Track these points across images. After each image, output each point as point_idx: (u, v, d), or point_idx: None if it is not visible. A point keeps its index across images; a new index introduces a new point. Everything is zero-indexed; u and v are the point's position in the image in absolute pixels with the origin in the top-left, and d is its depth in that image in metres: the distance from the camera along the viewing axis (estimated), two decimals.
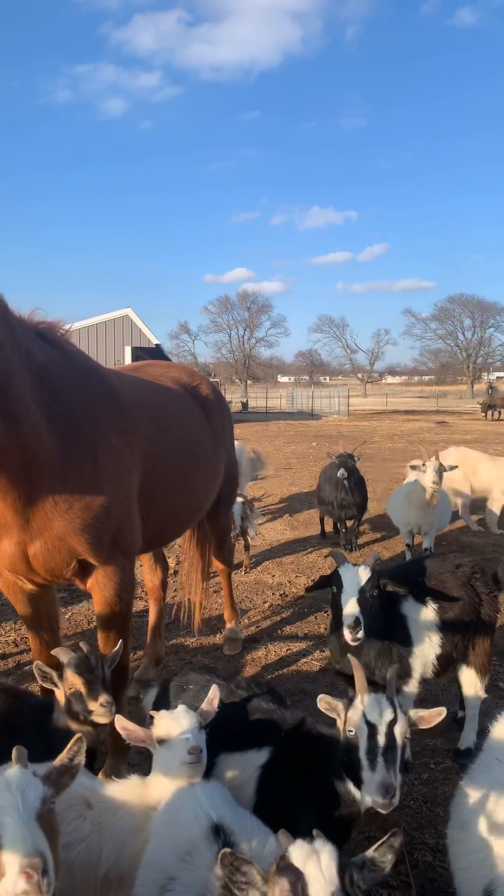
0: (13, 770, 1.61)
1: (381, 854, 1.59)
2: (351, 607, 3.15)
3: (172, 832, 1.95)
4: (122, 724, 2.25)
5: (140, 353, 30.10)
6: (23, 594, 3.14)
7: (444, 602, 3.57)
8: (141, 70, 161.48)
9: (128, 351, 30.12)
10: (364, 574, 3.24)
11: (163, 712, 2.25)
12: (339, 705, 2.25)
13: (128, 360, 28.92)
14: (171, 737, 2.15)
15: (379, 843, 1.60)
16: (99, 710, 2.44)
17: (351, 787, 2.22)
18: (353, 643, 3.14)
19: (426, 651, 3.50)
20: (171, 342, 71.53)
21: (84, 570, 3.02)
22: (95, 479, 2.91)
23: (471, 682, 3.65)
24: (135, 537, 3.21)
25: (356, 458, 8.06)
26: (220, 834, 1.86)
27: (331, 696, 2.29)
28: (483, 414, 35.81)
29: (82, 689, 2.48)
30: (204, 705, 2.33)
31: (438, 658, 3.52)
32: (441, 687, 4.29)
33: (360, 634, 3.12)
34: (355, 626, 3.10)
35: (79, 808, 2.14)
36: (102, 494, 2.91)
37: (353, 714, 2.17)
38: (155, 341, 31.91)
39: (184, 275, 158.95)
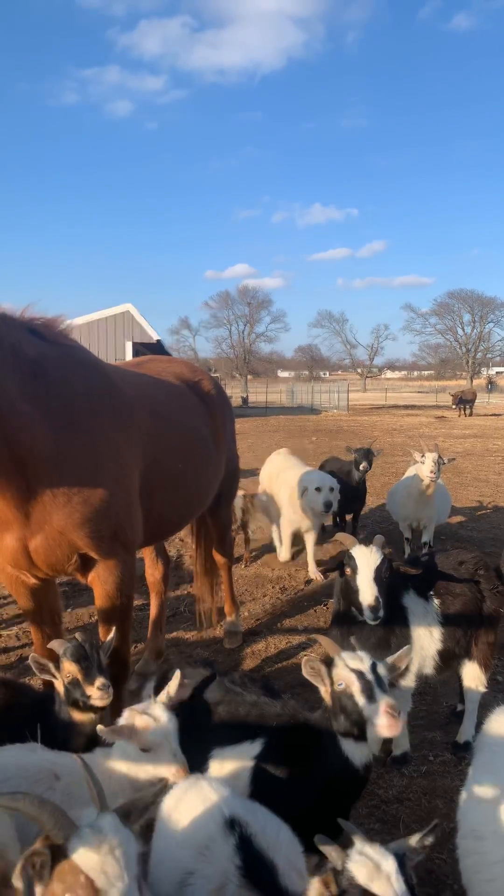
0: (109, 824, 1.45)
1: (420, 843, 1.66)
2: (370, 586, 3.24)
3: (185, 828, 1.96)
4: (101, 728, 2.27)
5: (140, 348, 30.04)
6: (25, 588, 3.15)
7: (446, 597, 3.59)
8: (147, 73, 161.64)
9: (128, 346, 30.05)
10: (378, 554, 3.33)
11: (144, 715, 2.26)
12: (322, 668, 2.35)
13: (128, 355, 28.86)
14: (156, 747, 2.19)
15: (423, 833, 1.68)
16: (96, 693, 2.46)
17: (348, 745, 2.27)
18: (373, 622, 3.22)
19: (426, 645, 3.51)
20: (172, 337, 71.54)
21: (85, 564, 3.03)
22: (94, 474, 2.91)
23: (473, 676, 3.66)
24: (135, 531, 3.21)
25: (375, 453, 8.04)
26: (234, 826, 1.88)
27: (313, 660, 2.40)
28: (454, 408, 34.07)
29: (78, 676, 2.50)
30: (170, 688, 2.40)
31: (440, 653, 3.53)
32: (440, 680, 4.30)
33: (381, 613, 3.20)
34: (377, 604, 3.19)
35: (47, 781, 2.18)
36: (102, 488, 2.91)
37: (338, 669, 2.29)
38: (155, 337, 31.82)
39: (185, 271, 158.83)
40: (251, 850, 1.83)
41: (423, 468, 6.95)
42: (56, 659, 2.61)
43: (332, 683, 2.31)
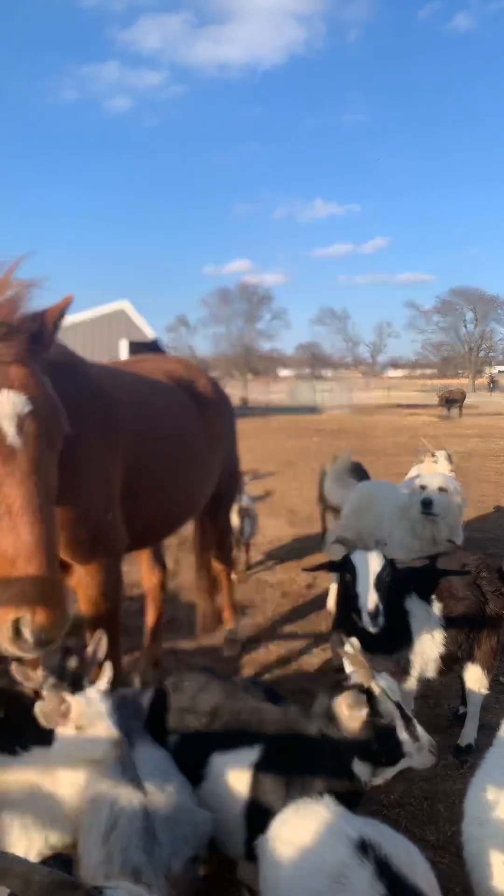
0: None
1: None
2: (370, 594, 3.19)
3: (314, 855, 1.88)
4: (40, 709, 2.26)
5: (137, 347, 29.86)
6: None
7: (448, 600, 3.56)
8: (147, 69, 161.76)
9: (124, 345, 29.92)
10: (378, 559, 3.27)
11: (78, 697, 2.25)
12: (362, 701, 2.27)
13: (123, 354, 28.79)
14: (91, 727, 2.19)
15: None
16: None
17: (359, 766, 2.27)
18: (373, 629, 3.17)
19: (427, 648, 3.48)
20: (169, 335, 71.41)
21: (66, 567, 2.99)
22: (71, 479, 2.82)
23: (475, 678, 3.64)
24: (117, 535, 3.16)
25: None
26: (367, 849, 1.79)
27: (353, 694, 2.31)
28: (441, 408, 31.05)
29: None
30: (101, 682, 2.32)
31: (442, 657, 3.51)
32: (442, 683, 4.27)
33: (381, 621, 3.16)
34: (377, 613, 3.15)
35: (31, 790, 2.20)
36: (78, 493, 2.86)
37: (383, 704, 2.25)
38: (152, 335, 31.73)
39: (183, 267, 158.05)
40: (392, 875, 1.72)
41: (438, 468, 6.90)
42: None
43: (372, 714, 2.26)
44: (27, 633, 1.90)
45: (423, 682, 3.61)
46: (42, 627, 1.92)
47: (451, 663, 3.59)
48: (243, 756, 2.41)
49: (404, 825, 3.13)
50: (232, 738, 2.48)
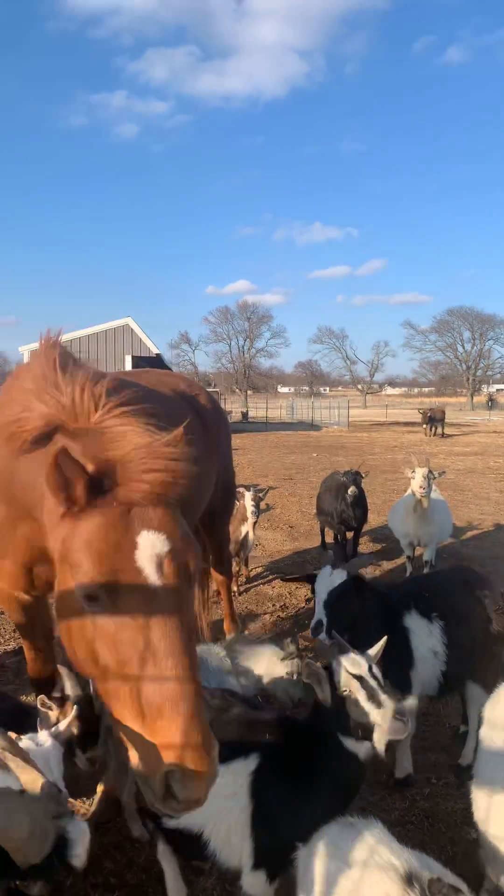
0: None
1: None
2: (319, 608, 3.36)
3: (363, 888, 1.87)
4: None
5: (140, 362, 30.13)
6: (18, 604, 3.12)
7: (450, 617, 3.54)
8: (153, 98, 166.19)
9: (128, 360, 30.17)
10: (339, 576, 3.39)
11: (25, 740, 2.19)
12: (322, 673, 2.39)
13: (128, 369, 28.96)
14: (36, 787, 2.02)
15: None
16: (83, 761, 2.55)
17: (349, 742, 2.30)
18: (316, 638, 3.34)
19: (429, 666, 3.46)
20: (172, 352, 71.77)
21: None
22: None
23: (476, 697, 3.60)
24: None
25: (363, 475, 8.07)
26: (413, 881, 1.79)
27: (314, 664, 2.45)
28: (423, 427, 30.65)
29: (75, 732, 2.56)
30: (63, 725, 2.36)
31: (444, 674, 3.48)
32: (442, 701, 4.24)
33: (322, 636, 3.28)
34: (317, 627, 3.33)
35: None
36: None
37: (341, 675, 2.33)
38: (155, 351, 31.97)
39: (185, 286, 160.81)
40: None
41: (413, 483, 6.99)
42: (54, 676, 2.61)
43: (333, 688, 2.34)
44: (177, 788, 1.65)
45: (425, 700, 3.59)
46: (193, 781, 1.66)
47: (453, 681, 3.57)
48: (238, 766, 2.38)
49: (405, 845, 3.09)
50: (224, 749, 2.46)
